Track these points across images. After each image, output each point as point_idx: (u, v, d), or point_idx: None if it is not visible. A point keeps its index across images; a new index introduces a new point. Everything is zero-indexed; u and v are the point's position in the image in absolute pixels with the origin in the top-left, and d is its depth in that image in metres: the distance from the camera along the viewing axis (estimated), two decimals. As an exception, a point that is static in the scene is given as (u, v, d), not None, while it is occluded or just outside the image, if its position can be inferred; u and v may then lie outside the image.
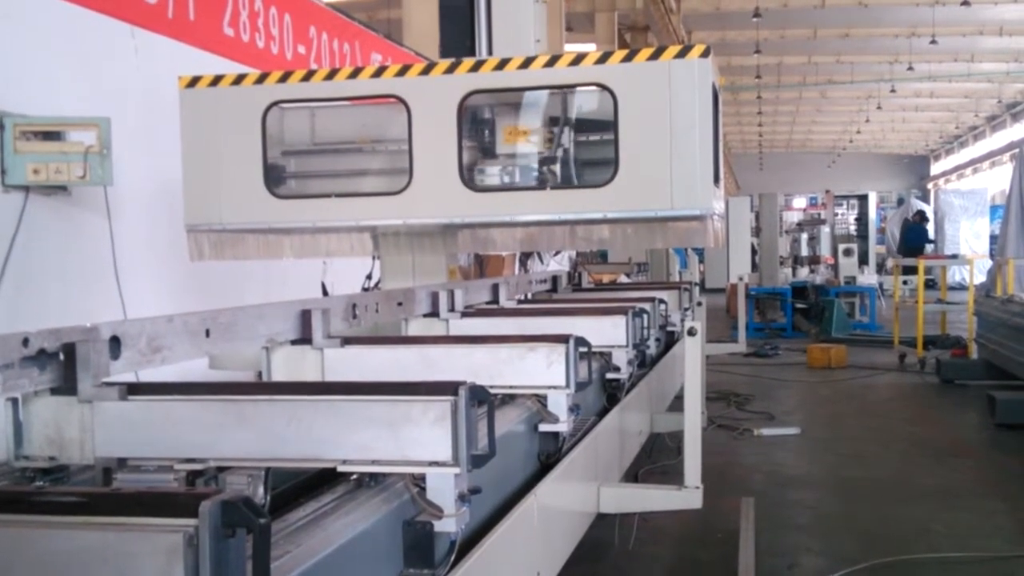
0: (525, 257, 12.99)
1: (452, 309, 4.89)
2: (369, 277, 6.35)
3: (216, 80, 5.01)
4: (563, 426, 3.68)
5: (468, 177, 4.91)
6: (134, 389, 2.41)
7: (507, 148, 5.69)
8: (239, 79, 5.02)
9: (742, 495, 6.49)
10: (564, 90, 5.21)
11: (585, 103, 5.40)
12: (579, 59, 4.82)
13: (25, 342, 2.20)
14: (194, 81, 5.02)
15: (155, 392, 2.44)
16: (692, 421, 4.49)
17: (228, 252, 5.28)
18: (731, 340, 12.38)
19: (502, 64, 4.84)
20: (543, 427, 3.67)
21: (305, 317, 3.55)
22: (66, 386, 2.33)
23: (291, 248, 5.63)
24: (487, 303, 5.86)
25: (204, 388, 2.51)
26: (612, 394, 5.12)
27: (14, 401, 2.34)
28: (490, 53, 5.24)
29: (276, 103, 5.01)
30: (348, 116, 5.56)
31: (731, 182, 41.72)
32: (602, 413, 4.81)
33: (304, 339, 3.54)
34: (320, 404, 2.39)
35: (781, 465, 7.78)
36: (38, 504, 1.35)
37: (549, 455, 3.79)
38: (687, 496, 4.40)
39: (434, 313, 4.79)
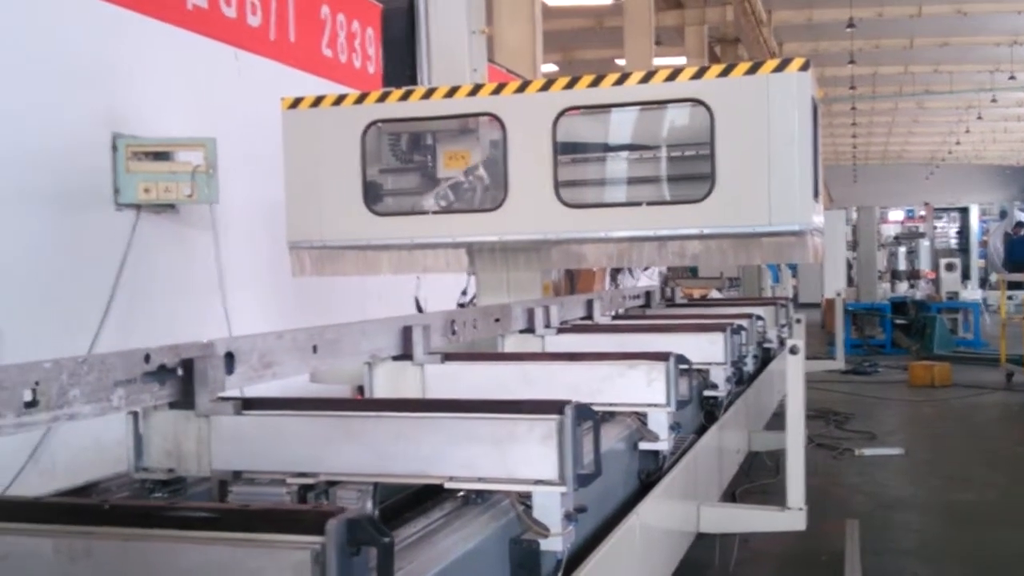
0: (615, 272, 12.93)
1: (548, 325, 4.89)
2: (464, 293, 6.40)
3: (317, 101, 5.13)
4: (663, 444, 3.64)
5: (563, 193, 4.92)
6: (248, 404, 2.47)
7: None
8: (339, 99, 5.13)
9: (845, 517, 6.31)
10: (658, 106, 5.19)
11: (679, 118, 5.36)
12: (675, 74, 4.79)
13: (147, 358, 2.26)
14: (296, 102, 5.14)
15: (268, 407, 2.50)
16: (795, 440, 4.39)
17: (328, 268, 5.38)
18: (828, 357, 12.09)
19: (597, 81, 4.85)
20: (643, 445, 3.64)
21: (406, 333, 3.59)
22: (184, 400, 2.40)
23: (389, 264, 5.71)
24: (581, 319, 5.85)
25: (313, 404, 2.56)
26: (710, 412, 5.04)
27: (135, 415, 2.42)
28: (430, 83, 5.28)
29: (375, 122, 5.10)
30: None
31: (824, 195, 40.83)
32: (700, 431, 4.74)
33: (405, 355, 3.58)
34: (426, 421, 2.41)
35: (884, 486, 7.56)
36: (171, 519, 1.39)
37: (649, 474, 3.75)
38: (791, 517, 4.30)
39: (530, 329, 4.80)
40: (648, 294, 8.04)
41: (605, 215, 5.04)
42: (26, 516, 1.53)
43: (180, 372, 2.38)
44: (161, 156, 5.30)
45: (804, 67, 4.55)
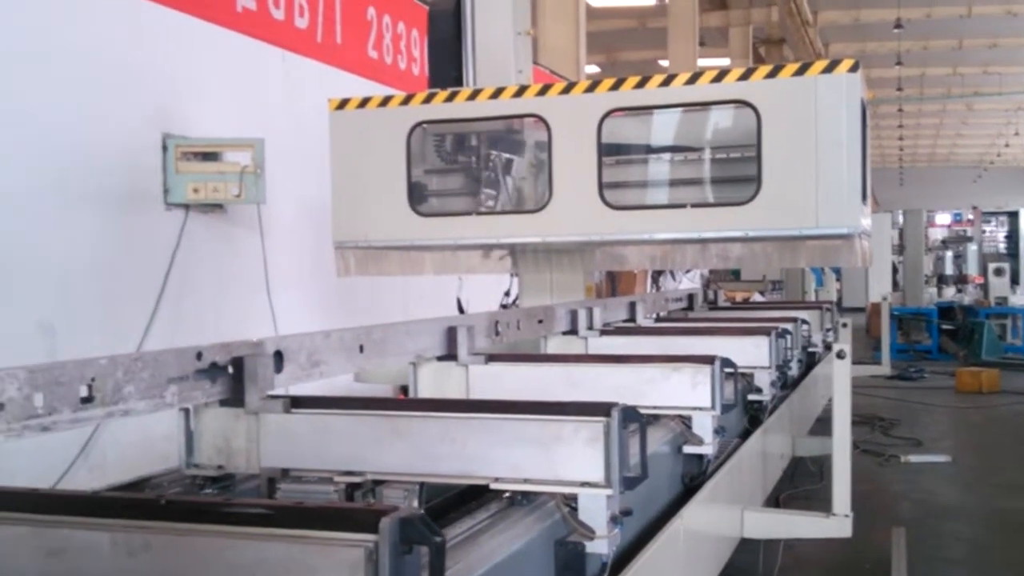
0: (657, 275, 12.87)
1: (591, 327, 4.88)
2: (507, 294, 6.41)
3: (364, 102, 5.16)
4: (708, 448, 3.61)
5: (607, 195, 4.90)
6: (296, 402, 2.49)
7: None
8: (385, 100, 5.15)
9: (891, 524, 6.22)
10: (704, 107, 5.16)
11: (724, 120, 5.33)
12: (721, 75, 4.76)
13: (199, 356, 2.30)
14: (343, 103, 5.18)
15: (315, 406, 2.52)
16: (841, 446, 4.34)
17: (372, 268, 5.41)
18: (873, 362, 11.94)
19: (643, 82, 4.82)
20: (688, 449, 3.62)
21: (451, 334, 3.60)
22: (234, 398, 2.43)
23: (432, 264, 5.74)
24: (624, 321, 5.83)
25: (360, 403, 2.58)
26: (754, 416, 5.01)
27: (186, 412, 2.46)
28: (475, 84, 5.25)
29: (421, 123, 5.12)
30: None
31: (870, 198, 40.33)
32: (744, 435, 4.71)
33: (450, 355, 3.59)
34: (473, 421, 2.42)
35: (931, 494, 7.44)
36: (226, 515, 1.41)
37: (693, 477, 3.73)
38: (836, 524, 4.25)
39: (573, 331, 4.80)
40: (691, 297, 8.00)
41: (649, 217, 5.02)
42: (83, 510, 1.55)
43: (231, 370, 2.41)
44: (210, 156, 5.37)
45: (853, 68, 4.49)
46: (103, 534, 1.48)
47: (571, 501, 2.44)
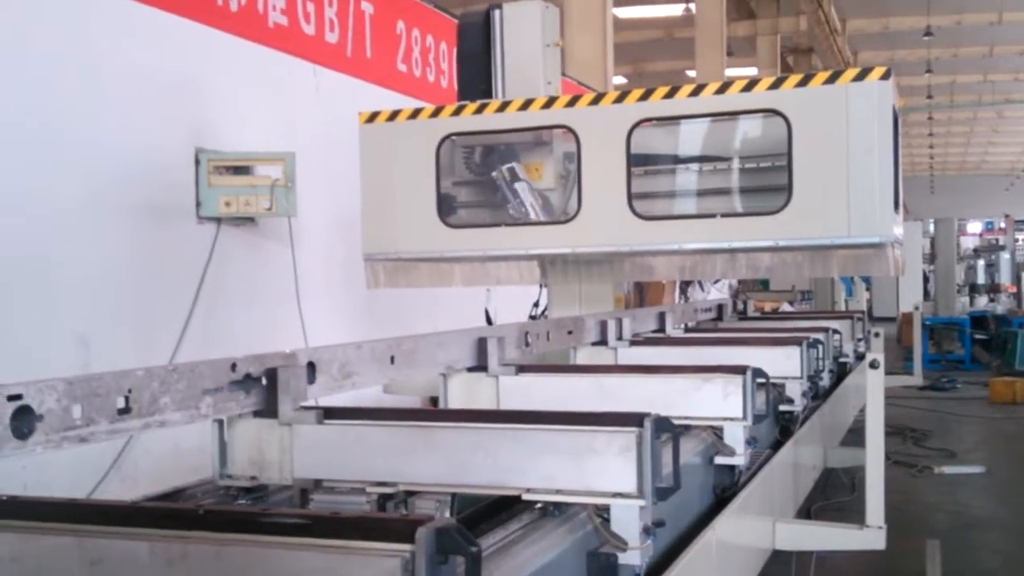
0: (685, 285, 12.82)
1: (620, 337, 4.87)
2: (536, 305, 6.41)
3: (393, 115, 5.18)
4: (740, 459, 3.59)
5: (636, 205, 4.89)
6: (329, 413, 2.51)
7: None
8: (415, 113, 5.17)
9: (925, 536, 6.15)
10: (733, 117, 5.14)
11: (754, 129, 5.30)
12: (751, 85, 4.74)
13: (233, 367, 2.32)
14: (373, 116, 5.20)
15: (347, 416, 2.53)
16: (875, 457, 4.30)
17: (402, 280, 5.42)
18: (905, 372, 11.81)
19: (672, 92, 4.81)
20: (719, 460, 3.60)
21: (481, 345, 3.61)
22: (268, 409, 2.45)
23: (461, 276, 5.74)
24: (654, 331, 5.82)
25: (392, 414, 2.59)
26: (785, 427, 4.97)
27: (220, 423, 2.48)
28: (504, 96, 5.25)
29: (450, 135, 5.14)
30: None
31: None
32: (775, 446, 4.67)
33: (480, 366, 3.60)
34: (505, 432, 2.42)
35: (965, 506, 7.35)
36: (264, 525, 1.42)
37: (724, 488, 3.71)
38: (869, 536, 4.21)
39: (602, 341, 4.79)
40: (720, 307, 7.97)
41: (678, 227, 4.99)
42: (122, 520, 1.57)
43: (264, 381, 2.43)
44: (241, 170, 5.43)
45: (885, 76, 4.46)
46: (142, 544, 1.50)
47: (603, 512, 2.43)
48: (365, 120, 5.20)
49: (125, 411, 2.03)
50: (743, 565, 3.70)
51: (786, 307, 15.70)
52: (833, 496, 6.89)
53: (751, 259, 5.24)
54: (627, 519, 2.37)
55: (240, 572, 1.41)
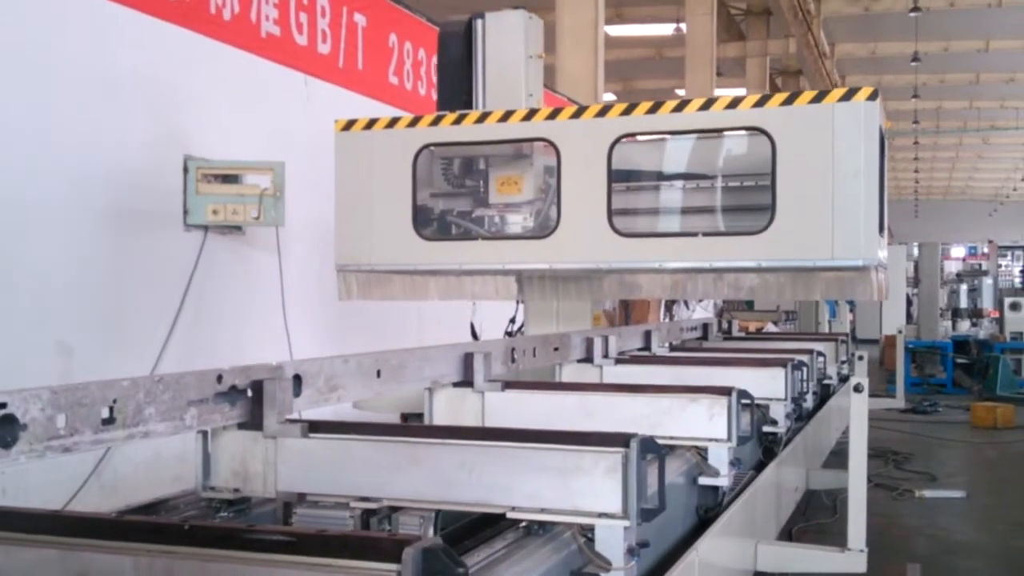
0: (670, 304, 12.83)
1: (606, 355, 4.87)
2: (512, 321, 6.34)
3: (370, 123, 5.09)
4: (724, 480, 3.60)
5: (617, 222, 4.83)
6: (314, 427, 2.49)
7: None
8: (392, 122, 5.09)
9: (905, 560, 6.16)
10: (717, 134, 5.12)
11: (738, 147, 5.29)
12: (736, 102, 4.69)
13: (219, 378, 2.30)
14: (349, 124, 5.09)
15: (333, 430, 2.52)
16: (857, 480, 4.31)
17: (376, 292, 5.31)
18: (887, 395, 11.86)
19: (655, 107, 4.76)
20: (703, 480, 3.60)
21: (467, 360, 3.61)
22: (253, 422, 2.43)
23: (436, 290, 5.63)
24: (639, 350, 5.82)
25: (378, 429, 2.58)
26: (768, 448, 4.98)
27: (204, 434, 2.46)
28: (485, 107, 5.20)
29: (427, 146, 5.06)
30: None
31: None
32: (759, 467, 4.68)
33: (466, 381, 3.59)
34: (491, 450, 2.41)
35: (946, 530, 7.37)
36: (250, 541, 1.41)
37: (708, 509, 3.71)
38: (851, 559, 4.21)
39: (588, 359, 4.79)
40: (705, 326, 7.99)
41: (659, 245, 4.92)
42: (107, 534, 1.56)
43: (250, 393, 2.42)
44: (230, 179, 5.40)
45: (872, 96, 4.43)
46: (126, 558, 1.48)
47: (588, 532, 2.42)
48: (341, 128, 5.10)
49: (109, 421, 2.01)
50: (725, 586, 3.69)
51: (771, 327, 15.74)
52: (814, 518, 6.90)
53: (735, 279, 5.21)
54: (612, 539, 2.37)
55: (225, 588, 1.40)
